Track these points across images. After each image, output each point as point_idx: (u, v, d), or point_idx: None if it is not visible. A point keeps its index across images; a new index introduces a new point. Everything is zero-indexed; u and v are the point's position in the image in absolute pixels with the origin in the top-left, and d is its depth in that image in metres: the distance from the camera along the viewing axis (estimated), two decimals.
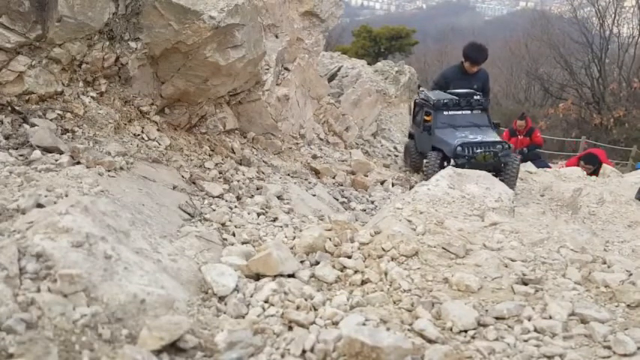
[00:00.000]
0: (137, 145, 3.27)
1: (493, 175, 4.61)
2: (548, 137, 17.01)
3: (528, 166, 7.69)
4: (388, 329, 1.68)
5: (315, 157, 5.28)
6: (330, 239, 2.46)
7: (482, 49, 6.15)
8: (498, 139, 5.46)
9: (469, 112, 5.77)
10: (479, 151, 5.20)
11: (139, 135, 3.43)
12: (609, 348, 1.67)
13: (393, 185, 5.08)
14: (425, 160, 5.70)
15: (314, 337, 1.61)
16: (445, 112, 5.73)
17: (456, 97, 5.79)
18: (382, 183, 5.12)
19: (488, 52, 6.24)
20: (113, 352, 1.43)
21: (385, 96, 9.03)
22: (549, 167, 8.09)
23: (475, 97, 5.78)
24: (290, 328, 1.74)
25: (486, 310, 1.88)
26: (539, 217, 3.44)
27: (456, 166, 4.91)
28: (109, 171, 2.68)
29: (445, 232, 2.52)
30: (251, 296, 1.95)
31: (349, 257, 2.32)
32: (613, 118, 18.12)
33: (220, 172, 3.64)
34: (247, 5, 3.69)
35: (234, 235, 2.68)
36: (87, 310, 1.49)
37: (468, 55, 6.07)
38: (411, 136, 6.66)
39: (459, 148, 5.20)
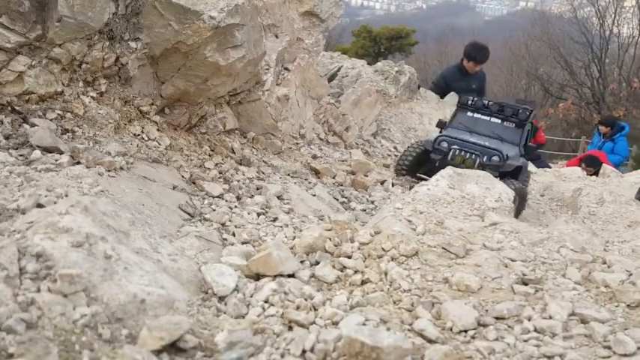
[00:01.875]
0: (137, 145, 3.27)
1: None
2: (549, 137, 17.00)
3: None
4: (388, 329, 1.68)
5: (315, 157, 5.28)
6: (330, 239, 2.46)
7: (484, 48, 6.15)
8: (509, 150, 4.54)
9: (499, 121, 4.82)
10: (456, 147, 4.44)
11: (139, 135, 3.43)
12: (609, 348, 1.67)
13: (393, 185, 5.08)
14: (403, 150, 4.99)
15: (314, 337, 1.61)
16: (469, 113, 4.88)
17: (490, 101, 4.95)
18: (382, 183, 5.11)
19: (489, 51, 6.24)
20: (113, 352, 1.43)
21: (385, 96, 9.03)
22: (549, 167, 8.09)
23: (517, 109, 4.86)
24: (290, 328, 1.74)
25: (486, 310, 1.88)
26: (539, 217, 3.44)
27: (431, 162, 4.49)
28: (109, 171, 2.68)
29: (445, 232, 2.51)
30: (251, 296, 1.95)
31: (349, 257, 2.32)
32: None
33: (220, 172, 3.64)
34: (247, 5, 3.69)
35: (234, 235, 2.68)
36: (87, 310, 1.49)
37: (471, 54, 6.04)
38: None
39: (443, 143, 4.52)
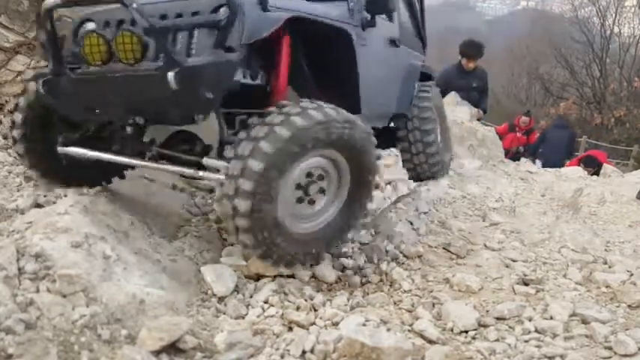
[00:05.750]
0: None
1: None
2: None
3: (529, 165, 7.67)
4: (388, 330, 1.67)
5: None
6: None
7: (476, 44, 6.17)
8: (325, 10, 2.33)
9: None
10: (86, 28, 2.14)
11: None
12: (610, 348, 1.66)
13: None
14: None
15: (314, 338, 1.60)
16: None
17: None
18: (389, 184, 5.10)
19: (483, 47, 6.25)
20: (112, 353, 1.42)
21: None
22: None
23: None
24: (290, 329, 1.74)
25: (487, 311, 1.88)
26: (540, 217, 3.43)
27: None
28: None
29: (446, 232, 2.51)
30: (251, 297, 1.95)
31: (349, 257, 2.32)
32: (614, 118, 18.09)
33: None
34: None
35: None
36: (86, 311, 1.48)
37: (463, 50, 6.11)
38: None
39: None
